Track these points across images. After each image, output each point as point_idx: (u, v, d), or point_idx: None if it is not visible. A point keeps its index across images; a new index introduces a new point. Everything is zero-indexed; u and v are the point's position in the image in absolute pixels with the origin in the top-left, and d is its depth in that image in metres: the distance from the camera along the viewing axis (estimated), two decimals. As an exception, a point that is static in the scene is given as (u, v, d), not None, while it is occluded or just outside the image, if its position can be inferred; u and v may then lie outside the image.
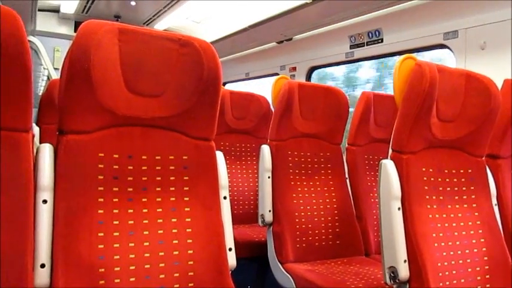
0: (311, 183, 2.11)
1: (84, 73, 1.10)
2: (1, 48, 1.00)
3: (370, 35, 2.90)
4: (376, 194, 1.43)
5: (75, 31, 4.91)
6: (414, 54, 1.63)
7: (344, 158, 2.26)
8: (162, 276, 1.16)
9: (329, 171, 2.18)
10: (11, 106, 1.04)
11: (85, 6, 4.41)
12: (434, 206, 1.39)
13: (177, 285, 1.17)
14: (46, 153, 1.11)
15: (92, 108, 1.14)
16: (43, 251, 1.06)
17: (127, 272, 1.12)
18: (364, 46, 2.99)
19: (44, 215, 1.07)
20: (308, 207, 2.06)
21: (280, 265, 1.92)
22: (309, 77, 3.68)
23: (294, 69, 3.76)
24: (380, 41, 2.84)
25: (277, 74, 4.05)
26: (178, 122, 1.26)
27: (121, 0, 4.22)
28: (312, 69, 3.66)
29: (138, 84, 1.20)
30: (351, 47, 3.11)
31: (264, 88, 4.56)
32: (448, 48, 2.43)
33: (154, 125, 1.24)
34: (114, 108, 1.17)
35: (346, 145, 2.33)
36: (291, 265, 1.89)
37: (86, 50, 1.10)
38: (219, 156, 1.33)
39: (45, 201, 1.08)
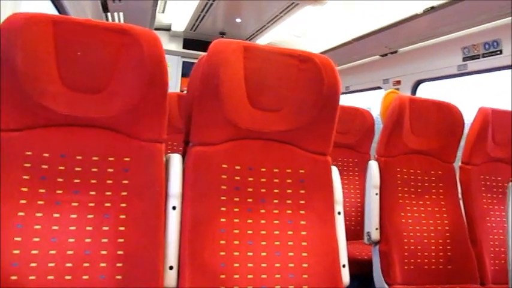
0: (421, 202, 2.01)
1: (214, 89, 1.17)
2: (144, 67, 1.10)
3: (487, 46, 2.71)
4: (492, 218, 1.36)
5: (183, 47, 5.27)
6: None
7: (457, 177, 2.12)
8: (277, 287, 1.18)
9: (440, 191, 2.06)
10: (149, 119, 1.14)
11: (193, 24, 4.69)
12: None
13: None
14: (176, 163, 1.20)
15: (218, 122, 1.20)
16: (172, 254, 1.13)
17: (245, 280, 1.16)
18: (479, 58, 2.80)
19: (173, 220, 1.15)
20: (417, 228, 1.96)
21: (387, 286, 1.85)
22: (414, 91, 3.53)
23: (398, 82, 3.63)
24: (498, 52, 2.64)
25: (379, 88, 3.95)
26: (296, 136, 1.28)
27: (227, 17, 4.43)
28: (418, 83, 3.51)
29: (260, 99, 1.24)
30: (464, 59, 2.93)
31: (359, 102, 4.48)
32: None
33: (274, 138, 1.27)
34: (238, 122, 1.22)
35: (460, 164, 2.19)
36: (398, 287, 1.82)
37: (216, 68, 1.17)
38: (335, 171, 1.33)
39: (174, 208, 1.16)
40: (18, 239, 1.04)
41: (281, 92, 1.26)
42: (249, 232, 1.20)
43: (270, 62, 1.25)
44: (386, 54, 3.71)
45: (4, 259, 1.02)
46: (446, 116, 2.06)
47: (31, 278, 1.02)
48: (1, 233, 1.03)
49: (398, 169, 2.01)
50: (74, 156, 1.12)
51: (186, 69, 5.30)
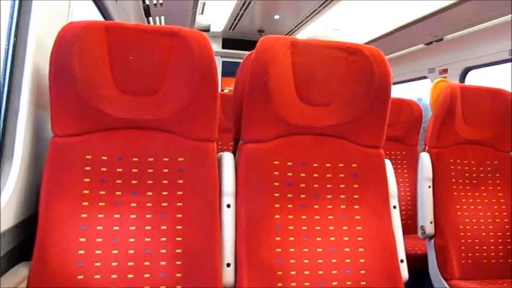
0: (477, 194, 1.94)
1: (263, 86, 1.18)
2: (195, 67, 1.11)
3: (542, 28, 2.56)
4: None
5: (222, 47, 5.32)
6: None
7: (515, 166, 2.02)
8: (334, 283, 1.17)
9: (497, 182, 1.97)
10: (201, 119, 1.16)
11: (232, 23, 4.72)
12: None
13: None
14: (229, 161, 1.21)
15: (268, 118, 1.21)
16: (228, 252, 1.15)
17: (302, 276, 1.15)
18: (533, 41, 2.66)
19: (228, 218, 1.17)
20: (474, 220, 1.89)
21: (444, 282, 1.79)
22: (463, 79, 3.40)
23: (445, 71, 3.50)
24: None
25: (424, 78, 3.83)
26: (347, 130, 1.26)
27: (265, 14, 4.43)
28: (467, 71, 3.37)
29: (309, 94, 1.23)
30: (517, 43, 2.79)
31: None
32: None
33: (325, 133, 1.26)
34: (287, 118, 1.22)
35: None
36: (457, 282, 1.76)
37: (265, 65, 1.17)
38: (388, 164, 1.30)
39: (228, 206, 1.17)
40: (83, 239, 1.08)
41: (330, 86, 1.25)
42: (304, 228, 1.19)
43: (317, 56, 1.24)
44: (431, 43, 3.59)
45: (71, 259, 1.06)
46: (500, 103, 1.97)
47: (96, 277, 1.07)
48: (67, 234, 1.07)
49: (451, 160, 1.95)
50: (130, 158, 1.16)
51: (226, 69, 5.34)
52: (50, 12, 1.22)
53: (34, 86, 1.14)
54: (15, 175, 1.07)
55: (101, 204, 1.12)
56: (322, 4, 3.72)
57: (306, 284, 1.15)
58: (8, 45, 1.11)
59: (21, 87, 1.11)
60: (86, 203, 1.11)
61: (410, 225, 2.50)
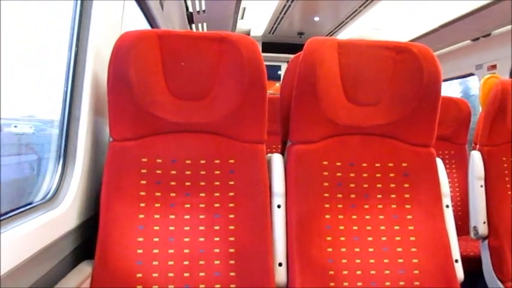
0: None
1: (311, 88, 1.19)
2: (244, 71, 1.15)
3: None
4: None
5: (262, 51, 5.35)
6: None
7: None
8: (387, 283, 1.16)
9: None
10: (250, 121, 1.19)
11: (272, 27, 4.76)
12: None
13: None
14: (278, 162, 1.23)
15: (316, 119, 1.22)
16: (280, 252, 1.16)
17: (354, 276, 1.15)
18: None
19: (279, 218, 1.19)
20: None
21: (500, 283, 1.73)
22: (512, 75, 3.27)
23: (494, 67, 3.38)
24: None
25: (472, 75, 3.71)
26: (396, 129, 1.25)
27: (304, 17, 4.44)
28: (517, 66, 3.24)
29: (357, 94, 1.24)
30: None
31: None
32: None
33: (373, 132, 1.26)
34: (335, 118, 1.23)
35: None
36: (514, 284, 1.70)
37: (312, 67, 1.19)
38: (439, 163, 1.28)
39: (279, 206, 1.19)
40: (141, 239, 1.13)
41: (378, 85, 1.24)
42: (355, 228, 1.19)
43: (365, 56, 1.24)
44: (478, 38, 3.48)
45: (130, 258, 1.11)
46: None
47: (154, 275, 1.11)
48: (126, 234, 1.12)
49: (504, 158, 1.88)
50: (183, 161, 1.20)
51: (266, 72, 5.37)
52: (106, 24, 1.29)
53: (93, 94, 1.21)
54: (77, 178, 1.14)
55: (156, 205, 1.16)
56: (363, 4, 3.69)
57: (359, 284, 1.15)
58: (70, 56, 1.18)
59: (81, 95, 1.18)
60: (143, 204, 1.15)
61: (461, 226, 2.42)
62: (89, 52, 1.19)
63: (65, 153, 1.16)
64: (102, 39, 1.25)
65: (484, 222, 1.82)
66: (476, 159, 1.87)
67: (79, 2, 1.20)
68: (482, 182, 1.85)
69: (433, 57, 1.22)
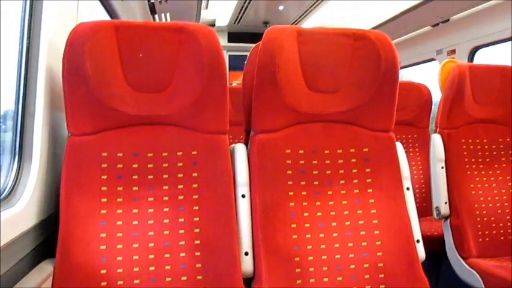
0: (490, 172, 1.94)
1: (271, 76, 1.19)
2: (203, 61, 1.13)
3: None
4: None
5: (228, 41, 5.33)
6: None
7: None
8: (352, 266, 1.18)
9: (511, 159, 1.97)
10: (212, 111, 1.18)
11: (237, 17, 4.74)
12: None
13: (367, 276, 1.18)
14: (241, 152, 1.23)
15: (278, 108, 1.22)
16: (246, 241, 1.17)
17: (319, 261, 1.17)
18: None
19: (244, 208, 1.19)
20: (489, 199, 1.89)
21: (462, 260, 1.80)
22: (471, 59, 3.37)
23: (453, 52, 3.47)
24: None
25: (432, 60, 3.80)
26: (357, 116, 1.27)
27: (269, 6, 4.43)
28: (475, 50, 3.34)
29: (317, 81, 1.25)
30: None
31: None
32: None
33: (334, 119, 1.27)
34: (297, 106, 1.23)
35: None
36: (474, 260, 1.76)
37: (272, 55, 1.19)
38: (399, 147, 1.31)
39: (243, 196, 1.20)
40: (104, 235, 1.11)
41: (338, 73, 1.26)
42: (319, 214, 1.21)
43: (324, 44, 1.25)
44: (437, 24, 3.56)
45: (93, 254, 1.09)
46: (510, 80, 1.96)
47: (119, 271, 1.09)
48: (88, 230, 1.10)
49: (463, 140, 1.94)
50: (145, 154, 1.18)
51: (232, 63, 5.36)
52: (60, 14, 1.25)
53: (48, 88, 1.17)
54: (35, 175, 1.10)
55: (119, 199, 1.14)
56: (326, -8, 3.71)
57: (324, 268, 1.17)
58: (22, 47, 1.14)
59: (36, 90, 1.14)
60: (104, 199, 1.13)
61: (425, 207, 2.50)
62: (42, 43, 1.15)
63: (21, 149, 1.12)
64: (55, 30, 1.21)
65: (446, 203, 1.88)
66: (436, 142, 1.92)
67: (29, -11, 1.15)
68: (443, 164, 1.91)
69: (390, 43, 1.24)
